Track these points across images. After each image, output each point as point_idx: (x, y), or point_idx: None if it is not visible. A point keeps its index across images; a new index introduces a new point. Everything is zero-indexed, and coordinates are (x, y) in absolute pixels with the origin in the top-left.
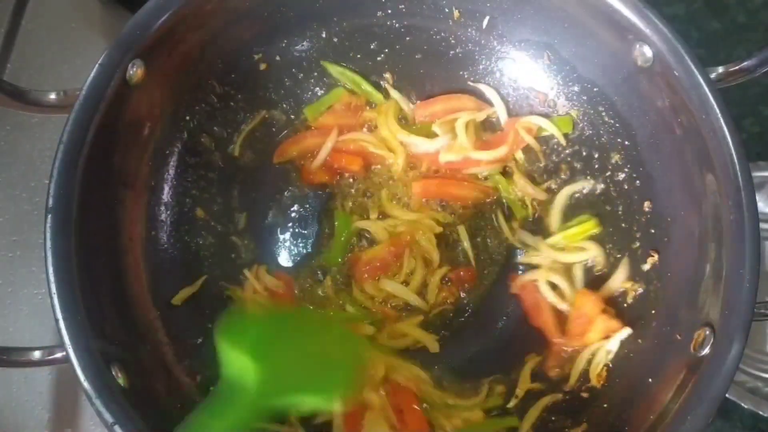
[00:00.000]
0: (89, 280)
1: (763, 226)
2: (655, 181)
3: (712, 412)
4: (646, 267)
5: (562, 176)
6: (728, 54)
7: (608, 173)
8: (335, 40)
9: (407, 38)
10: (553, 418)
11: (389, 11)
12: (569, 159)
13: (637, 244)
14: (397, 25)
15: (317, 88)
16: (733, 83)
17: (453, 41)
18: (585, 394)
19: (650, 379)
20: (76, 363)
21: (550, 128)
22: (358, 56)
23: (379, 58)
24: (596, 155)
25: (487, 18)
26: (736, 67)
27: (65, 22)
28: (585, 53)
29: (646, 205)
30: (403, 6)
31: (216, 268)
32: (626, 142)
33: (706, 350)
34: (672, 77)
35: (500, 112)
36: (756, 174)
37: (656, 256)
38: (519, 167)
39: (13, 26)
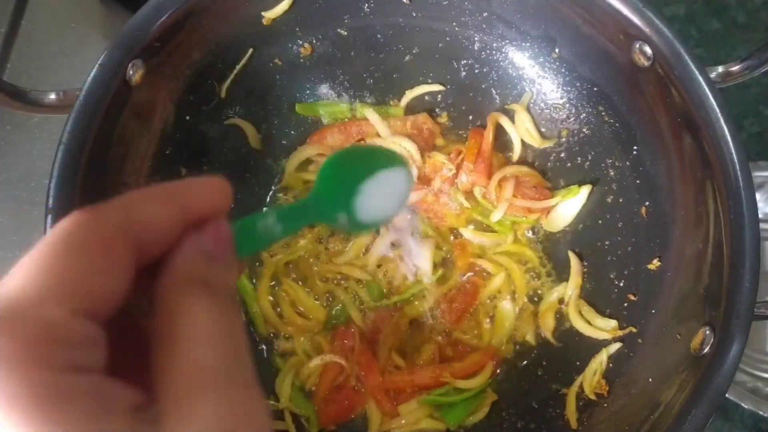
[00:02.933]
0: None
1: (763, 226)
2: (655, 180)
3: (712, 411)
4: (646, 267)
5: (561, 183)
6: (728, 54)
7: (608, 173)
8: (335, 42)
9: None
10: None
11: (387, 12)
12: (569, 158)
13: (637, 244)
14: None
15: (315, 91)
16: (733, 83)
17: (449, 39)
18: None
19: (650, 379)
20: None
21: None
22: (357, 58)
23: (375, 62)
24: (596, 155)
25: (486, 17)
26: (736, 67)
27: (65, 22)
28: (585, 53)
29: (646, 204)
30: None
31: None
32: (626, 142)
33: (706, 350)
34: (672, 77)
35: (516, 146)
36: (756, 174)
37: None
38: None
39: (13, 26)
